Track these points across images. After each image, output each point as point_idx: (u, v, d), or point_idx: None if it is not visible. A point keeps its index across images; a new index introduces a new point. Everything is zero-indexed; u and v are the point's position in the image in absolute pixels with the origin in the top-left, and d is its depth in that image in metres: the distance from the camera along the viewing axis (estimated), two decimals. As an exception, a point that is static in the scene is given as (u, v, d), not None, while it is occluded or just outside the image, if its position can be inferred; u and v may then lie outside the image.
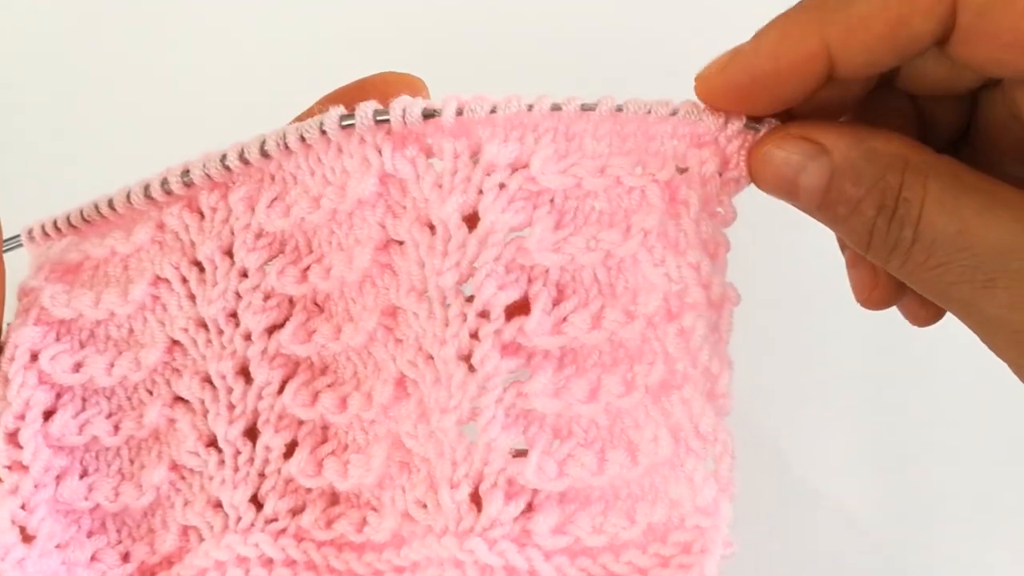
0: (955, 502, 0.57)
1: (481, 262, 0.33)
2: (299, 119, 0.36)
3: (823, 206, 0.30)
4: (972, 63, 0.28)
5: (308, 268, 0.36)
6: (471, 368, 0.34)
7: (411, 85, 0.35)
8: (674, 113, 0.31)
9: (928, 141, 0.30)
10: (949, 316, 0.32)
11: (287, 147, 0.34)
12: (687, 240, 0.32)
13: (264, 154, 0.34)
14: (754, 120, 0.31)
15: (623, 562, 0.34)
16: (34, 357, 0.36)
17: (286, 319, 0.37)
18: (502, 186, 0.33)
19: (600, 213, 0.33)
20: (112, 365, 0.37)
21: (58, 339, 0.37)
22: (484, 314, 0.34)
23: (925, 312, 0.36)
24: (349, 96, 0.35)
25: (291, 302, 0.37)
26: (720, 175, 0.32)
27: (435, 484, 0.35)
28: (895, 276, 0.31)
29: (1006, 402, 0.34)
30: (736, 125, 0.31)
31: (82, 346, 0.37)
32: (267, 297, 0.36)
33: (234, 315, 0.36)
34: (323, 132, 0.33)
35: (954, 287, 0.29)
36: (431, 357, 0.34)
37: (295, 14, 0.59)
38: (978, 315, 0.29)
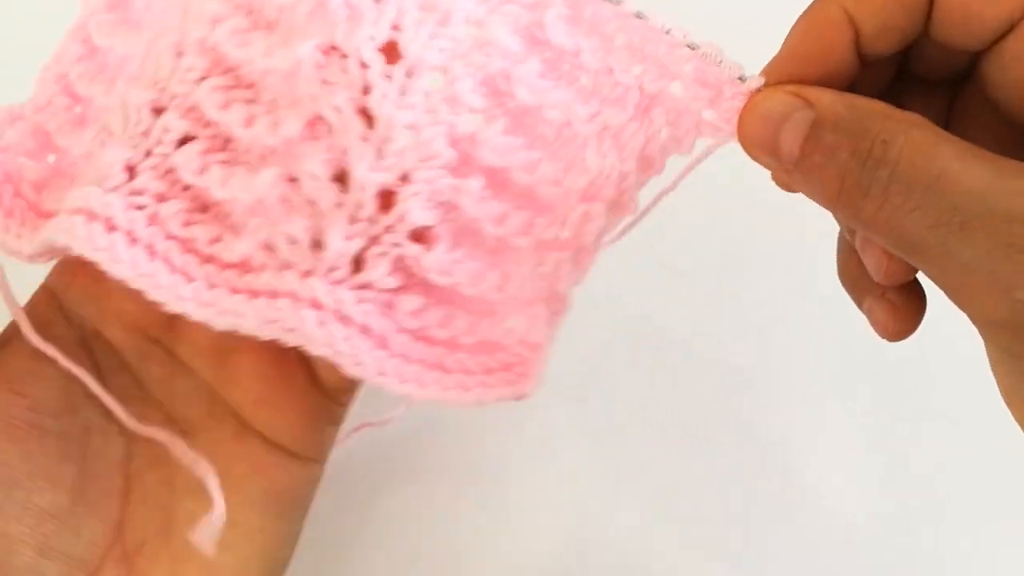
0: (957, 503, 0.57)
1: (470, 61, 0.35)
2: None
3: (801, 159, 0.31)
4: (950, 24, 0.31)
5: None
6: (414, 141, 0.35)
7: None
8: (691, 47, 0.35)
9: None
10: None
11: None
12: (632, 149, 0.36)
13: None
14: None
15: (455, 358, 0.37)
16: None
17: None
18: (516, 16, 0.35)
19: (581, 87, 0.37)
20: None
21: None
22: (449, 102, 0.35)
23: (896, 324, 0.37)
24: None
25: (250, 9, 0.35)
26: (703, 117, 0.35)
27: (321, 229, 0.35)
28: (863, 231, 0.31)
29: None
30: (753, 83, 0.34)
31: None
32: None
33: None
34: None
35: (930, 231, 0.29)
36: (367, 114, 0.34)
37: None
38: (953, 261, 0.29)
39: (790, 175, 0.32)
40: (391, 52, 0.35)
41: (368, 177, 0.34)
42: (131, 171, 0.36)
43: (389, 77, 0.34)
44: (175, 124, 0.35)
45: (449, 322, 0.38)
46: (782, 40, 0.34)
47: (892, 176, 0.29)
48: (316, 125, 0.35)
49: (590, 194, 0.36)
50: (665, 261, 0.54)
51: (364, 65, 0.34)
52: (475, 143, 0.36)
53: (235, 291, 0.35)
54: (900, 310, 0.37)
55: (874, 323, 0.38)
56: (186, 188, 0.36)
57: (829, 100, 0.31)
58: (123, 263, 0.35)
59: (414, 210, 0.35)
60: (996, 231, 0.28)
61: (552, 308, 0.37)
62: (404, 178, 0.35)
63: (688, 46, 0.35)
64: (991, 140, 0.33)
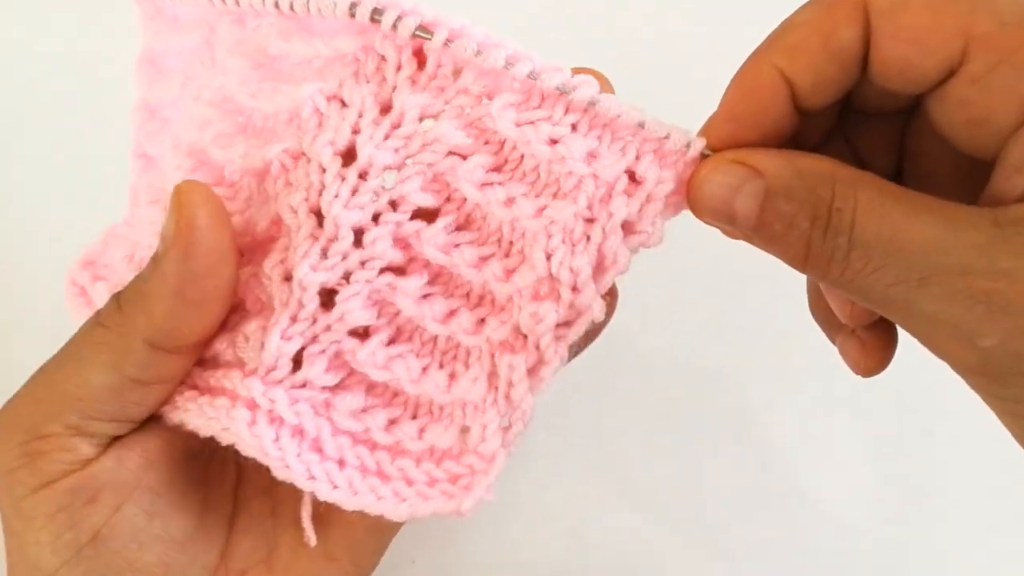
0: (956, 504, 0.58)
1: (417, 160, 0.35)
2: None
3: (759, 226, 0.32)
4: (888, 75, 0.31)
5: (263, 90, 0.37)
6: (359, 243, 0.35)
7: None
8: (641, 125, 0.33)
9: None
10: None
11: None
12: (586, 246, 0.34)
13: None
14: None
15: (396, 466, 0.36)
16: None
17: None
18: (465, 108, 0.35)
19: (533, 178, 0.35)
20: None
21: None
22: (394, 204, 0.35)
23: (866, 360, 0.38)
24: None
25: (241, 113, 0.38)
26: (666, 199, 0.34)
27: (267, 327, 0.36)
28: (832, 288, 0.32)
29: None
30: (697, 146, 0.33)
31: None
32: (223, 100, 0.38)
33: None
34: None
35: (892, 289, 0.30)
36: (319, 217, 0.35)
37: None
38: (918, 314, 0.30)
39: (750, 239, 0.33)
40: (349, 155, 0.35)
41: (309, 276, 0.35)
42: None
43: (343, 178, 0.35)
44: (154, 215, 0.38)
45: (394, 425, 0.37)
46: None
47: (850, 242, 0.30)
48: (279, 223, 0.36)
49: (540, 294, 0.34)
50: (664, 264, 0.49)
51: (322, 168, 0.35)
52: (420, 241, 0.35)
53: (189, 387, 0.37)
54: (870, 347, 0.38)
55: (846, 359, 0.39)
56: None
57: (775, 167, 0.31)
58: None
59: (354, 310, 0.35)
60: (953, 285, 0.29)
61: (508, 418, 0.35)
62: (346, 277, 0.35)
63: (638, 124, 0.33)
64: (946, 166, 0.34)
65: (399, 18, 0.34)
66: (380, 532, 0.41)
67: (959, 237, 0.29)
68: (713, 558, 0.55)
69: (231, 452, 0.37)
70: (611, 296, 0.37)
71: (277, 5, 0.36)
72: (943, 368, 0.36)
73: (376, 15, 0.34)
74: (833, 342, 0.40)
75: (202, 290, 0.35)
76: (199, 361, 0.37)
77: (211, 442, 0.37)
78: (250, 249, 0.38)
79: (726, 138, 0.33)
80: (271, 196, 0.37)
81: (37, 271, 0.54)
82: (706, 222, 0.34)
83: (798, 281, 0.38)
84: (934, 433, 0.58)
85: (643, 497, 0.56)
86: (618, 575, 0.54)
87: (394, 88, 0.35)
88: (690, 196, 0.33)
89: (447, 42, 0.34)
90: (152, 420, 0.37)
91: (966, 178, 0.34)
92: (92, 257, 0.44)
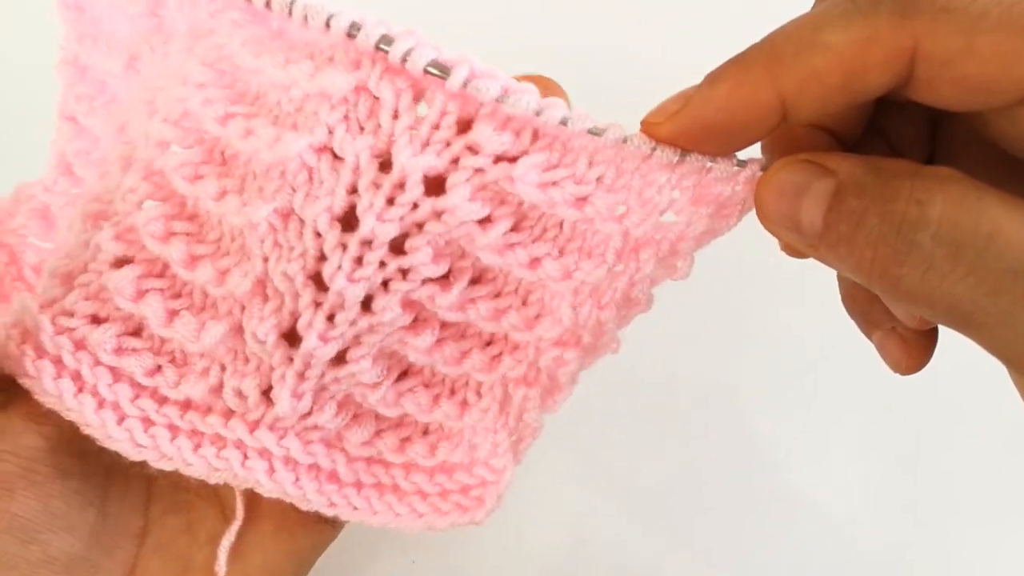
0: (954, 506, 0.57)
1: (428, 230, 0.32)
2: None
3: (825, 231, 0.27)
4: (933, 103, 0.28)
5: (233, 117, 0.32)
6: (368, 309, 0.33)
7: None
8: (682, 160, 0.30)
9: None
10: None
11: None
12: (612, 298, 0.33)
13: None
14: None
15: (410, 480, 0.37)
16: None
17: (190, 148, 0.32)
18: (479, 171, 0.31)
19: (557, 235, 0.33)
20: None
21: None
22: (404, 272, 0.32)
23: (908, 359, 0.35)
24: None
25: (203, 139, 0.33)
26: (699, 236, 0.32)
27: (268, 383, 0.34)
28: (903, 305, 0.28)
29: (1007, 404, 0.34)
30: (752, 169, 0.30)
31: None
32: (182, 116, 0.32)
33: None
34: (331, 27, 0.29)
35: (989, 299, 0.25)
36: (318, 281, 0.32)
37: None
38: (1018, 331, 0.25)
39: (816, 250, 0.29)
40: (348, 220, 0.32)
41: (320, 350, 0.33)
42: (68, 281, 0.34)
43: (344, 247, 0.32)
44: (108, 245, 0.33)
45: (405, 446, 0.38)
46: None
47: (935, 239, 0.25)
48: (265, 283, 0.33)
49: (564, 340, 0.34)
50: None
51: (319, 235, 0.32)
52: (433, 303, 0.34)
53: (176, 432, 0.35)
54: (912, 345, 0.34)
55: (885, 357, 0.35)
56: (121, 313, 0.34)
57: (849, 164, 0.27)
58: (50, 396, 0.33)
59: (365, 370, 0.35)
60: None
61: (517, 436, 0.36)
62: (356, 338, 0.34)
63: (676, 160, 0.30)
64: (984, 167, 0.29)
65: (410, 50, 0.29)
66: (299, 558, 0.40)
67: None
68: (711, 560, 0.56)
69: (137, 467, 0.35)
70: None
71: None
72: (943, 368, 0.35)
73: (384, 43, 0.29)
74: (869, 338, 0.36)
75: None
76: (162, 399, 0.35)
77: (108, 457, 0.35)
78: (221, 298, 0.34)
79: (677, 138, 0.29)
80: (255, 253, 0.33)
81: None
82: (774, 234, 0.30)
83: (796, 283, 0.36)
84: (933, 433, 0.58)
85: (642, 497, 0.56)
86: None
87: (391, 138, 0.30)
88: (757, 201, 0.30)
89: (466, 83, 0.29)
90: (1, 443, 0.34)
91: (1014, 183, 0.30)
92: None
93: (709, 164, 0.30)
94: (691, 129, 0.29)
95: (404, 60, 0.29)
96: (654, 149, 0.29)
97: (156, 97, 0.33)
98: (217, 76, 0.32)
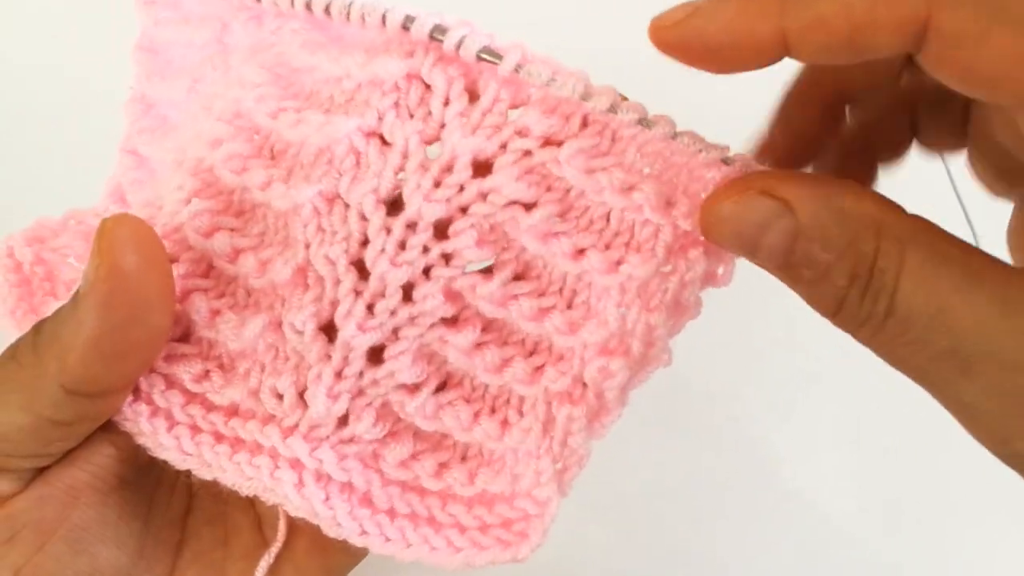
0: (954, 506, 0.57)
1: (472, 212, 0.32)
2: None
3: (785, 266, 0.28)
4: (942, 80, 0.27)
5: (285, 111, 0.33)
6: (408, 297, 0.33)
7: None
8: (727, 162, 0.30)
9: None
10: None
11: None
12: (662, 300, 0.32)
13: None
14: None
15: (447, 512, 0.35)
16: None
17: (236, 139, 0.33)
18: (527, 153, 0.31)
19: (604, 227, 0.32)
20: None
21: None
22: (447, 258, 0.32)
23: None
24: None
25: (253, 137, 0.34)
26: None
27: (305, 384, 0.33)
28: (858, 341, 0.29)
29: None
30: (739, 164, 0.30)
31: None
32: (235, 115, 0.33)
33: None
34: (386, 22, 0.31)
35: (930, 365, 0.27)
36: (360, 268, 0.32)
37: None
38: (954, 399, 0.28)
39: (773, 273, 0.29)
40: (394, 202, 0.32)
41: (358, 339, 0.32)
42: None
43: (388, 230, 0.32)
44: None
45: (443, 472, 0.35)
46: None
47: (888, 310, 0.27)
48: (307, 271, 0.33)
49: (610, 348, 0.32)
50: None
51: (364, 218, 0.32)
52: (474, 295, 0.33)
53: (220, 439, 0.34)
54: None
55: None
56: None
57: (811, 205, 0.27)
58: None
59: (403, 368, 0.33)
60: (996, 378, 0.26)
61: (562, 464, 0.34)
62: (395, 332, 0.33)
63: (724, 161, 0.30)
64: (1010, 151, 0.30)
65: (463, 38, 0.30)
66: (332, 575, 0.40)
67: (1012, 322, 0.26)
68: (711, 563, 0.55)
69: (183, 477, 0.35)
70: None
71: (309, 7, 0.32)
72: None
73: (437, 33, 0.30)
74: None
75: (122, 342, 0.31)
76: (209, 405, 0.34)
77: (157, 468, 0.35)
78: (265, 292, 0.34)
79: (677, 49, 0.28)
80: (297, 240, 0.33)
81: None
82: (722, 248, 0.31)
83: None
84: (933, 434, 0.54)
85: (641, 499, 0.56)
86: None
87: (442, 125, 0.31)
88: (705, 225, 0.30)
89: (517, 67, 0.30)
90: (80, 448, 0.34)
91: None
92: (44, 234, 0.38)
93: (756, 167, 0.30)
94: (692, 43, 0.28)
95: (458, 47, 0.30)
96: (701, 150, 0.30)
97: (213, 104, 0.35)
98: (273, 78, 0.34)
